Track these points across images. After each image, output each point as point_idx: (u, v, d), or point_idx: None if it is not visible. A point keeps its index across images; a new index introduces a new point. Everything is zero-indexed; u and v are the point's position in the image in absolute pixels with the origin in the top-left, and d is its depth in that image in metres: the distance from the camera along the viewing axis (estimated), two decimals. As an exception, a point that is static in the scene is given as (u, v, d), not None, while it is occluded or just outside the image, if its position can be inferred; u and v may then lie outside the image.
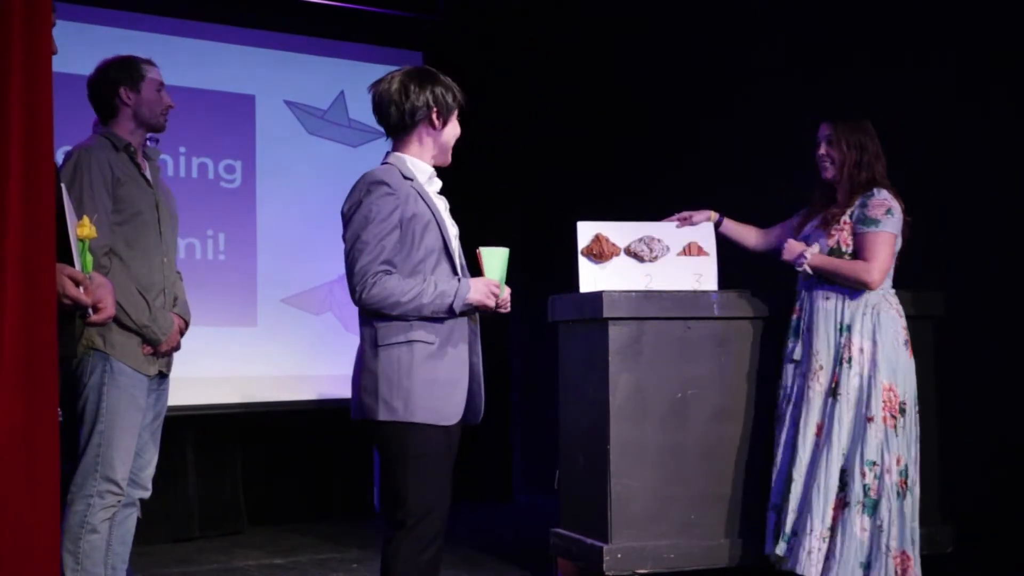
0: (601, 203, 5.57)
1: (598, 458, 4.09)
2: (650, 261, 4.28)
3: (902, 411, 3.81)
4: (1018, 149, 4.49)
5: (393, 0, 6.31)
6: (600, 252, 4.25)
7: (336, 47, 6.19)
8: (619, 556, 4.00)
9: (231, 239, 5.77)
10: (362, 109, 6.25)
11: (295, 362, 5.90)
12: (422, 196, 2.91)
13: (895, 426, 3.79)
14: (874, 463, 3.76)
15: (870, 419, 3.78)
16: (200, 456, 5.66)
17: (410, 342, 2.83)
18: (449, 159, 3.05)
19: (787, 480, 3.92)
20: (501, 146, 6.63)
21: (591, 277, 4.20)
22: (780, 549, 3.89)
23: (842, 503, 3.79)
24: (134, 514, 3.49)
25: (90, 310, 2.74)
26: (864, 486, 3.75)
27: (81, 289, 2.42)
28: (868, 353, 3.83)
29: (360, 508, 6.29)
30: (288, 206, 5.92)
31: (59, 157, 3.11)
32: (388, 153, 3.03)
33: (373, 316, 2.86)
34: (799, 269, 3.93)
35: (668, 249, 4.32)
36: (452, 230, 2.98)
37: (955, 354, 4.38)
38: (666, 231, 4.33)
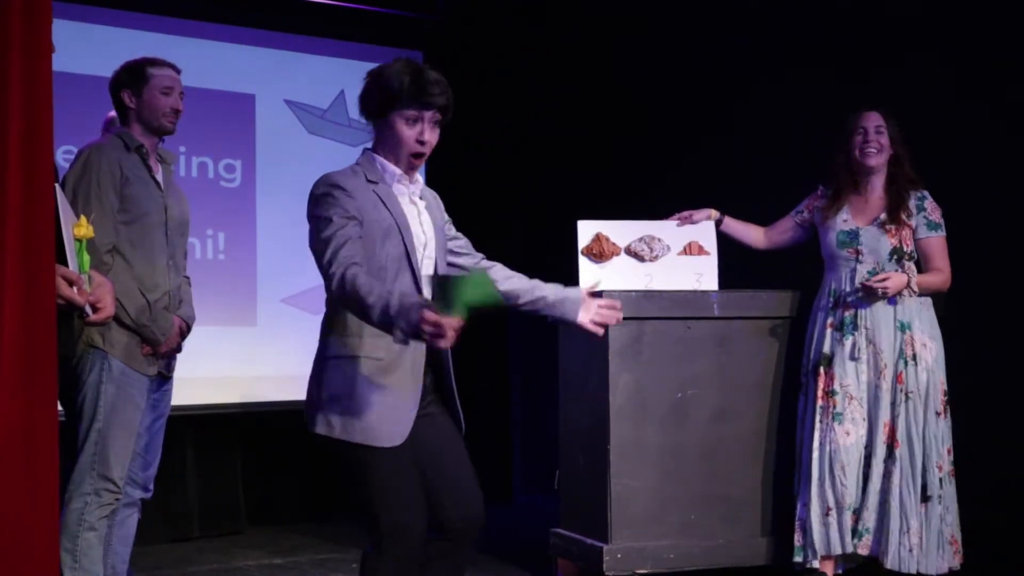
0: (601, 203, 5.57)
1: (598, 458, 4.09)
2: (650, 261, 4.28)
3: (948, 403, 4.01)
4: (1018, 149, 4.48)
5: (393, 0, 6.31)
6: (600, 252, 4.25)
7: (336, 47, 6.19)
8: (619, 556, 4.00)
9: (231, 239, 5.77)
10: (362, 109, 6.26)
11: (295, 362, 5.87)
12: (383, 200, 2.72)
13: (947, 418, 3.99)
14: (942, 456, 3.95)
15: (939, 414, 3.97)
16: (200, 456, 5.66)
17: (356, 357, 2.67)
18: (408, 164, 2.77)
19: (857, 479, 3.96)
20: (501, 146, 6.63)
21: (591, 277, 4.20)
22: (860, 547, 3.94)
23: (924, 497, 3.91)
24: (135, 514, 3.50)
25: (89, 309, 2.74)
26: (940, 479, 3.93)
27: (75, 289, 2.42)
28: (931, 349, 3.98)
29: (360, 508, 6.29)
30: (288, 206, 5.90)
31: (59, 157, 3.11)
32: (364, 150, 2.85)
33: (326, 324, 2.72)
34: (910, 296, 3.99)
35: (668, 248, 4.32)
36: (421, 237, 2.77)
37: (955, 354, 4.37)
38: (667, 230, 4.33)
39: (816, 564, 3.97)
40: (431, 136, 2.74)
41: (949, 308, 4.32)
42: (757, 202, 4.73)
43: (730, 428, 4.20)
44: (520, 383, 6.85)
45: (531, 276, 2.97)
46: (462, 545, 2.80)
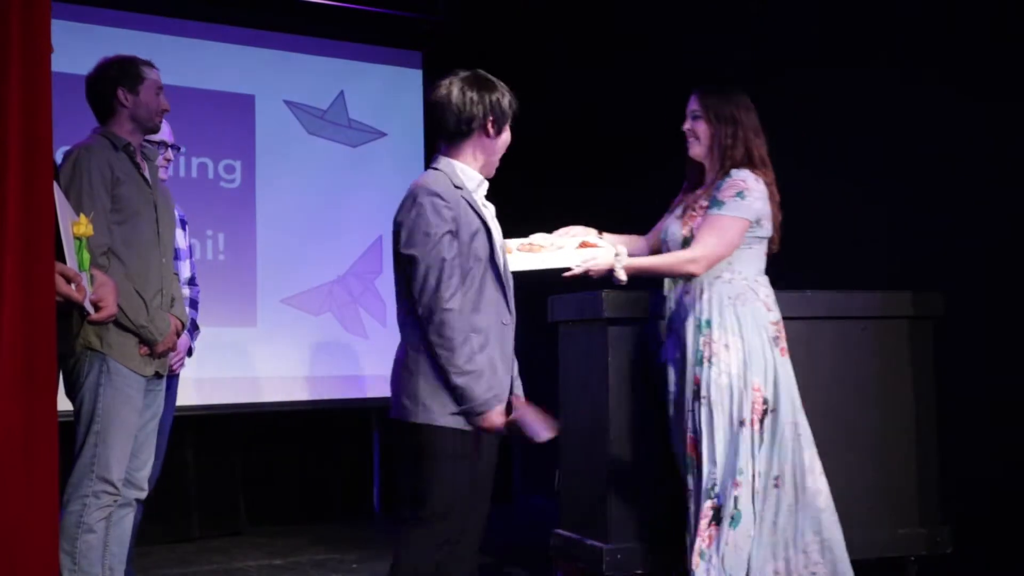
0: (601, 203, 5.57)
1: (598, 458, 4.08)
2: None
3: (767, 413, 3.43)
4: (1019, 149, 4.48)
5: (393, 0, 6.31)
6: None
7: (336, 47, 6.19)
8: (619, 557, 3.99)
9: (231, 239, 5.77)
10: (362, 109, 6.27)
11: (295, 362, 5.90)
12: (472, 205, 2.91)
13: (760, 431, 3.41)
14: (743, 472, 3.38)
15: (742, 424, 3.41)
16: (200, 456, 5.66)
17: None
18: (493, 170, 3.04)
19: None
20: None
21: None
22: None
23: (716, 518, 3.41)
24: (131, 514, 3.49)
25: (91, 308, 2.74)
26: (735, 498, 3.37)
27: (73, 286, 2.42)
28: (735, 350, 3.43)
29: (360, 509, 6.30)
30: (288, 206, 5.92)
31: (58, 157, 3.11)
32: (437, 158, 3.01)
33: (423, 319, 2.89)
34: (617, 283, 3.47)
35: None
36: (498, 239, 3.01)
37: (955, 354, 4.37)
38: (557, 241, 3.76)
39: None
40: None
41: (949, 308, 4.32)
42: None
43: (730, 428, 4.19)
44: (520, 383, 6.84)
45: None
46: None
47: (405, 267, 2.88)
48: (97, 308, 2.86)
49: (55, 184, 2.37)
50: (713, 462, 3.42)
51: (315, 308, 5.99)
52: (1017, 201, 4.47)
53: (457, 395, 2.83)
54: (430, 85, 6.43)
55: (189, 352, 4.19)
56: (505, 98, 2.98)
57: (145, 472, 3.50)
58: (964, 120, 4.63)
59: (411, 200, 2.89)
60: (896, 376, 4.27)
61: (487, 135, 2.96)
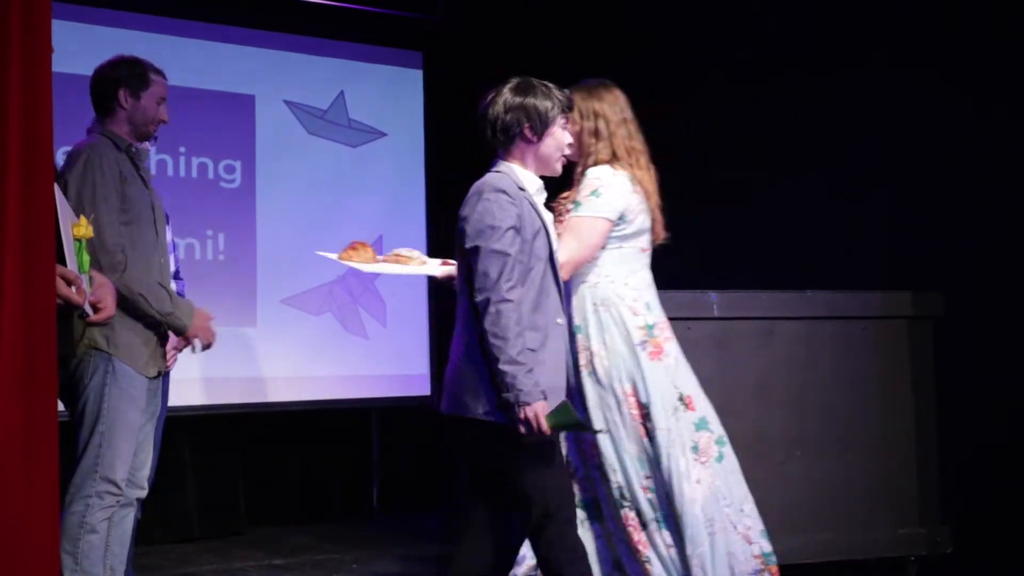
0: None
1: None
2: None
3: (647, 418, 3.35)
4: (1018, 149, 4.48)
5: (393, 0, 6.31)
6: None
7: (336, 47, 6.19)
8: (619, 556, 3.99)
9: (231, 239, 5.77)
10: (362, 109, 6.27)
11: (295, 362, 5.90)
12: (534, 206, 2.96)
13: (646, 435, 3.35)
14: (645, 473, 3.35)
15: (625, 427, 3.36)
16: (200, 456, 5.66)
17: None
18: (554, 168, 3.06)
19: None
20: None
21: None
22: None
23: (642, 524, 3.35)
24: (132, 514, 3.49)
25: (89, 309, 2.74)
26: (648, 500, 3.34)
27: (73, 288, 2.42)
28: (602, 358, 3.37)
29: (360, 508, 6.29)
30: (288, 206, 5.92)
31: (58, 157, 3.11)
32: (496, 162, 3.04)
33: (480, 308, 2.90)
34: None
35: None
36: (555, 241, 3.04)
37: (955, 354, 4.37)
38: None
39: None
40: (571, 137, 3.10)
41: (949, 309, 4.32)
42: (759, 202, 4.74)
43: (730, 429, 4.19)
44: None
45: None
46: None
47: (469, 260, 2.89)
48: (95, 309, 2.86)
49: (55, 186, 2.37)
50: (613, 469, 3.36)
51: (315, 308, 5.99)
52: (1017, 201, 4.47)
53: (501, 382, 2.77)
54: (430, 85, 6.50)
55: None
56: (545, 101, 3.02)
57: (145, 471, 3.50)
58: (964, 120, 4.63)
59: (476, 196, 2.93)
60: (896, 376, 4.28)
61: (528, 140, 3.00)
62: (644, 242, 3.48)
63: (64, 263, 2.45)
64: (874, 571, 4.24)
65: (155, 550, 5.19)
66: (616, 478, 3.35)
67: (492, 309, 2.80)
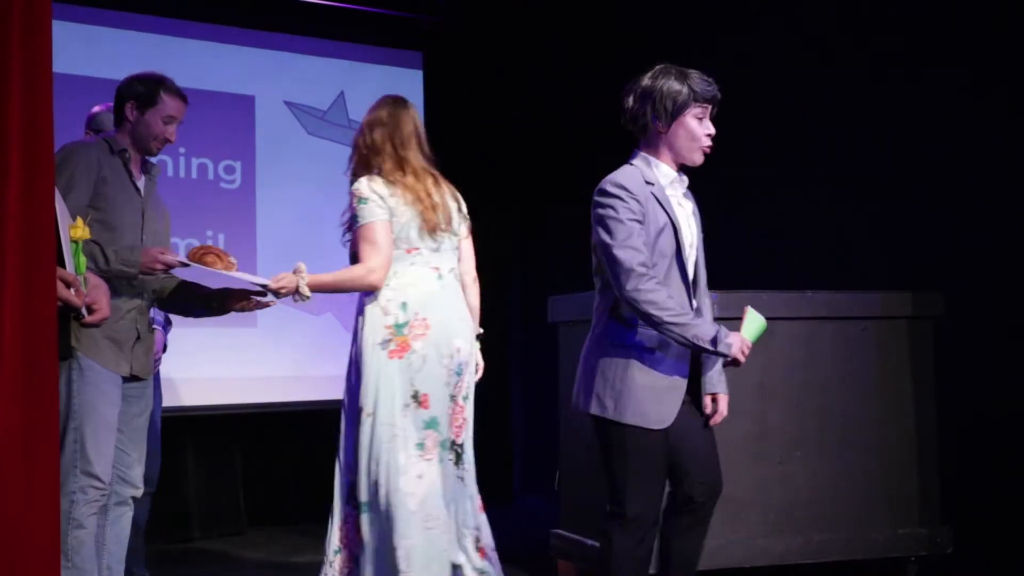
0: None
1: (598, 459, 4.08)
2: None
3: (376, 412, 3.55)
4: (1019, 148, 4.48)
5: (393, 0, 6.32)
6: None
7: (336, 47, 6.20)
8: (619, 556, 3.99)
9: (231, 239, 5.77)
10: (362, 109, 6.25)
11: (295, 363, 5.90)
12: (660, 201, 2.93)
13: (371, 428, 3.57)
14: (357, 463, 3.62)
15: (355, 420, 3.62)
16: (200, 456, 5.67)
17: (630, 346, 2.93)
18: (692, 158, 3.01)
19: None
20: (502, 145, 6.63)
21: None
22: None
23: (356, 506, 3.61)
24: (128, 513, 3.49)
25: (85, 311, 2.74)
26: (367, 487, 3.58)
27: (72, 291, 2.42)
28: (353, 356, 3.62)
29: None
30: (288, 206, 5.93)
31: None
32: (635, 152, 3.04)
33: (607, 313, 2.96)
34: (297, 301, 3.58)
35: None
36: (689, 237, 3.01)
37: (955, 354, 4.37)
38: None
39: None
40: (713, 128, 3.00)
41: (949, 308, 4.32)
42: (759, 202, 4.73)
43: (731, 429, 4.19)
44: (520, 384, 6.85)
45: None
46: (705, 511, 3.06)
47: (599, 257, 2.94)
48: (91, 311, 2.86)
49: (54, 188, 2.37)
50: (348, 461, 3.64)
51: (315, 308, 5.99)
52: (1017, 201, 4.47)
53: (695, 345, 2.85)
54: (430, 85, 6.50)
55: (163, 348, 4.17)
56: (677, 86, 2.94)
57: (139, 470, 3.49)
58: (964, 120, 4.63)
59: (600, 192, 2.96)
60: (896, 376, 4.28)
61: (657, 130, 2.97)
62: (416, 238, 3.61)
63: (63, 265, 2.45)
64: (874, 571, 4.24)
65: (155, 550, 5.19)
66: (346, 469, 3.63)
67: (642, 299, 2.83)
